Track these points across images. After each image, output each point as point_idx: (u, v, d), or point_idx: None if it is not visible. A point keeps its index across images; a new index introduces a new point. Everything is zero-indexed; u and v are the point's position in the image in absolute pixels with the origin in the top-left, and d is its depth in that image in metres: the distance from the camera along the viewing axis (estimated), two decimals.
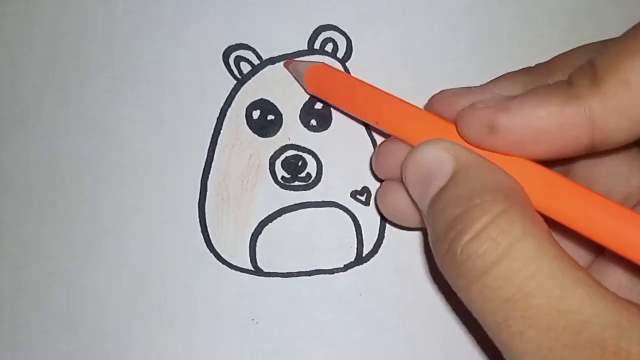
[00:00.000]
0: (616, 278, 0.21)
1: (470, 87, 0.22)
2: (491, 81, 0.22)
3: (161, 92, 0.26)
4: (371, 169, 0.26)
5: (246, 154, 0.26)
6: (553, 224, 0.19)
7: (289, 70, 0.26)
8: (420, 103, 0.26)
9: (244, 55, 0.26)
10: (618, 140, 0.18)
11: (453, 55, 0.27)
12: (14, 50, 0.27)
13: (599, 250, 0.22)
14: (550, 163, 0.20)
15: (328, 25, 0.27)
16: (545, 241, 0.17)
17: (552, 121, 0.18)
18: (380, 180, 0.26)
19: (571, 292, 0.16)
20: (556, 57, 0.22)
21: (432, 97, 0.23)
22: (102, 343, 0.25)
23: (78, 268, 0.26)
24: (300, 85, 0.26)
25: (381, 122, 0.23)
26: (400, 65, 0.27)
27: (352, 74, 0.26)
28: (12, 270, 0.26)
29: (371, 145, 0.26)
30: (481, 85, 0.22)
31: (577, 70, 0.18)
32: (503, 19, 0.27)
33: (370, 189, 0.26)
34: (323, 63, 0.25)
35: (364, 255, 0.26)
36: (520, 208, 0.18)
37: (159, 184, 0.26)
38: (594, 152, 0.19)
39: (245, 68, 0.26)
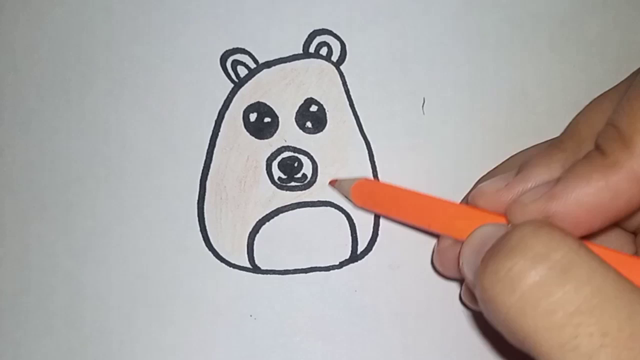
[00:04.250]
0: None
1: (506, 178, 0.21)
2: (526, 167, 0.21)
3: (160, 95, 0.27)
4: (433, 266, 0.26)
5: (243, 155, 0.26)
6: None
7: (334, 188, 0.26)
8: (413, 105, 0.27)
9: (241, 59, 0.27)
10: None
11: (444, 57, 0.27)
12: (15, 53, 0.27)
13: None
14: None
15: (322, 29, 0.27)
16: (599, 258, 0.16)
17: (602, 194, 0.18)
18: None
19: None
20: (574, 123, 0.21)
21: (472, 192, 0.22)
22: (102, 340, 0.26)
23: (78, 267, 0.26)
24: (348, 200, 0.26)
25: (433, 225, 0.23)
26: (392, 67, 0.27)
27: (346, 77, 0.27)
28: (13, 270, 0.26)
29: (364, 146, 0.27)
30: (518, 174, 0.21)
31: (602, 137, 0.18)
32: (492, 22, 0.28)
33: None
34: (365, 178, 0.25)
35: (358, 252, 0.26)
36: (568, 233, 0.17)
37: (158, 185, 0.26)
38: None
39: (242, 71, 0.27)
